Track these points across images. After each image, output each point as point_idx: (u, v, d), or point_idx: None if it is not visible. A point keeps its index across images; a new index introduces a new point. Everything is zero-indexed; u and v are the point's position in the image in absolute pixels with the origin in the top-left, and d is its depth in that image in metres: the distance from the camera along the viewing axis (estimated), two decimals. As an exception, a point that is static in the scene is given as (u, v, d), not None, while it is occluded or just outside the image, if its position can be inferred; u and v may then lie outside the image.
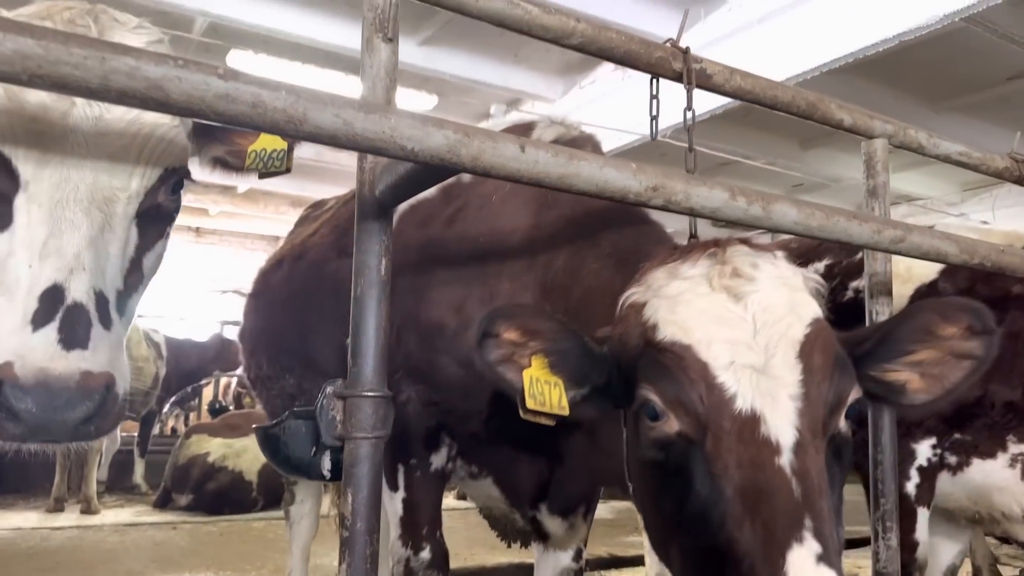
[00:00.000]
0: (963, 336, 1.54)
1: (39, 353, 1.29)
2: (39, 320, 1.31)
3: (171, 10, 7.23)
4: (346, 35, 7.83)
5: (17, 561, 6.06)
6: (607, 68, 8.68)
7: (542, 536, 2.54)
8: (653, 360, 1.50)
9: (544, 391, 1.56)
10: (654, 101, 2.26)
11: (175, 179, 1.60)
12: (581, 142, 2.57)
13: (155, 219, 1.59)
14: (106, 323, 1.40)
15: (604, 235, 2.18)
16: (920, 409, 1.62)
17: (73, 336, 1.31)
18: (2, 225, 1.41)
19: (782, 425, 1.36)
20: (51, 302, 1.32)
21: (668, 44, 2.22)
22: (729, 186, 1.58)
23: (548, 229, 2.26)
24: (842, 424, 1.45)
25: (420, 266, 2.40)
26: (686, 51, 2.25)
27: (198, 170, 1.79)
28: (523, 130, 2.66)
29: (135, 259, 1.55)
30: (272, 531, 7.38)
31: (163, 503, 8.88)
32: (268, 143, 1.67)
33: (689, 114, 2.15)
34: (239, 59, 8.32)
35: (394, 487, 2.47)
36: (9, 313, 1.33)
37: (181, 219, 2.18)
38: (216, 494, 8.51)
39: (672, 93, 2.29)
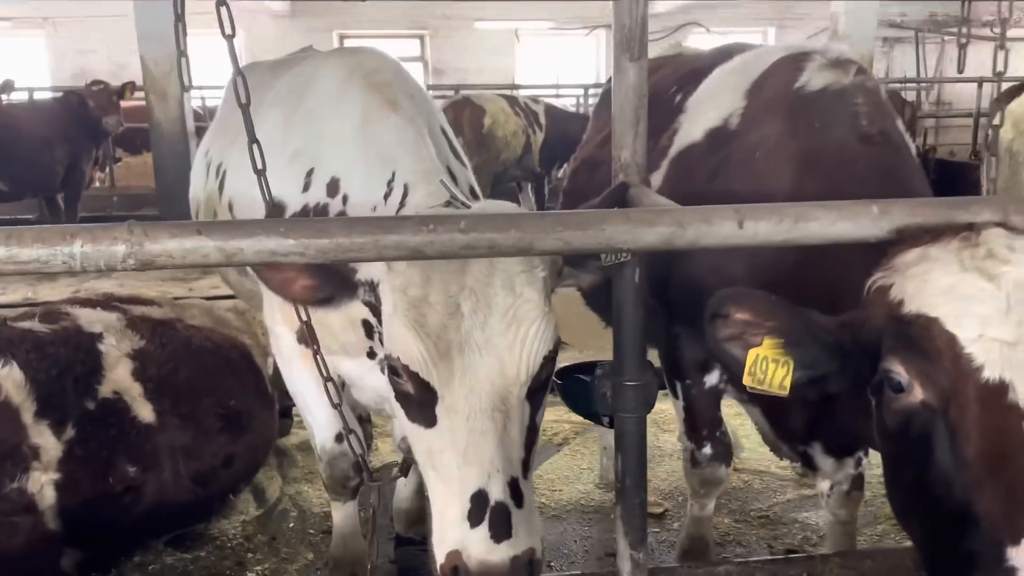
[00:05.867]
0: None
1: (479, 547, 1.68)
2: (473, 519, 1.69)
3: None
4: None
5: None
6: None
7: (810, 467, 2.65)
8: (897, 334, 1.54)
9: (769, 370, 1.66)
10: None
11: (554, 357, 1.85)
12: (853, 91, 2.35)
13: (541, 387, 1.86)
14: (519, 502, 1.74)
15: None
16: None
17: (499, 531, 1.69)
18: (431, 424, 1.78)
19: None
20: (479, 504, 1.70)
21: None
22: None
23: (808, 197, 2.20)
24: None
25: None
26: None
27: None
28: (792, 68, 2.50)
29: (530, 425, 1.84)
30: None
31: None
32: None
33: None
34: None
35: (676, 397, 2.84)
36: (451, 505, 1.72)
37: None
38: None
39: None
